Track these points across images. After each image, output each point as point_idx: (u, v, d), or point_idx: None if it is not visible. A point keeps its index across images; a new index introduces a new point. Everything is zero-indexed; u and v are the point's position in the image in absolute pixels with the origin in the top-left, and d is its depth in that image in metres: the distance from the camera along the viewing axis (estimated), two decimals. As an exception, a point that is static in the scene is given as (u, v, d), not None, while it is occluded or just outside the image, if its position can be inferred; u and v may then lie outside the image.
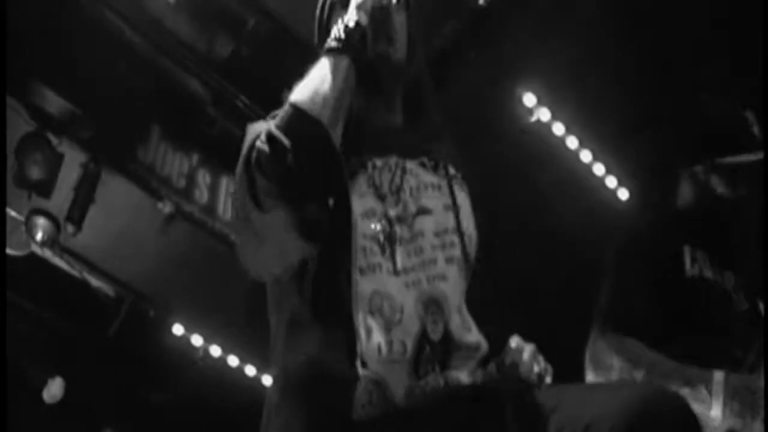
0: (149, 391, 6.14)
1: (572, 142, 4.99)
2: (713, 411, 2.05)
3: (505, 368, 1.61)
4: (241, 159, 1.66)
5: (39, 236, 4.88)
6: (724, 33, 4.20)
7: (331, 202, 1.64)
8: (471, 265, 1.73)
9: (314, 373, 1.58)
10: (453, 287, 1.67)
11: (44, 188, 4.86)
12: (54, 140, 4.86)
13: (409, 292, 1.62)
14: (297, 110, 1.63)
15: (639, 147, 4.82)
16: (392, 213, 1.68)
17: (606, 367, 2.21)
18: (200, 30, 5.01)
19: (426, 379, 1.57)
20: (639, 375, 2.15)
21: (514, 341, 1.65)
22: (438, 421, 1.55)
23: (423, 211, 1.71)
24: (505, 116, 4.80)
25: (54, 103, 4.81)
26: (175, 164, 5.44)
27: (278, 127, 1.61)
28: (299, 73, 1.71)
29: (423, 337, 1.59)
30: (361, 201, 1.67)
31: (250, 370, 6.09)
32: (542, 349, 1.65)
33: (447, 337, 1.61)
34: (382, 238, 1.64)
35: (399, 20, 1.82)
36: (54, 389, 5.67)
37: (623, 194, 5.20)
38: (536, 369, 1.61)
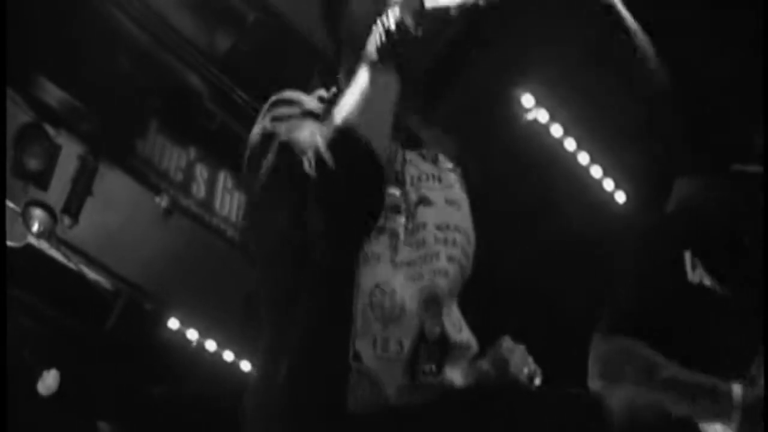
0: (145, 385, 6.14)
1: (570, 144, 4.99)
2: (732, 425, 2.05)
3: (496, 369, 1.61)
4: (269, 166, 1.58)
5: (35, 227, 4.87)
6: (725, 34, 4.20)
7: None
8: (469, 264, 1.72)
9: (304, 362, 1.55)
10: (451, 284, 1.66)
11: (42, 180, 4.87)
12: (52, 132, 4.86)
13: (410, 287, 1.60)
14: (348, 135, 1.48)
15: (638, 150, 4.82)
16: (395, 202, 1.64)
17: (616, 374, 2.19)
18: (200, 24, 5.01)
19: (420, 380, 1.56)
20: (657, 384, 2.13)
21: (505, 342, 1.64)
22: (430, 422, 1.53)
23: (424, 201, 1.68)
24: (503, 116, 4.80)
25: (53, 95, 4.81)
26: (173, 158, 5.44)
27: (327, 151, 1.47)
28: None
29: (420, 338, 1.58)
30: None
31: (246, 366, 6.09)
32: (536, 349, 1.65)
33: (443, 337, 1.60)
34: (384, 226, 1.60)
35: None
36: (49, 381, 5.65)
37: (620, 197, 5.19)
38: (526, 370, 1.61)
